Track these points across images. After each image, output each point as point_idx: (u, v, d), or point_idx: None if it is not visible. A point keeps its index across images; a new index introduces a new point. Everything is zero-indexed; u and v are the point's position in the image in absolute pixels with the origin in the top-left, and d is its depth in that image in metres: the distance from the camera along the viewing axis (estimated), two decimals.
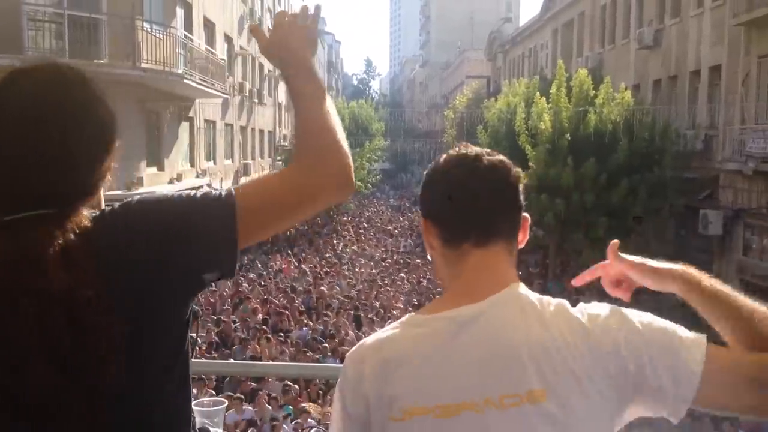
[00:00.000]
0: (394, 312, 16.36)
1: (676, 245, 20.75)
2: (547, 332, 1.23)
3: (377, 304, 17.53)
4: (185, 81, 16.63)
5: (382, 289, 19.54)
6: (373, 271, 22.73)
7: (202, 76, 18.50)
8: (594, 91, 20.16)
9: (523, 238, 1.40)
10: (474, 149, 1.42)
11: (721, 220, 17.48)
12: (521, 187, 1.40)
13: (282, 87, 39.83)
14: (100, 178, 1.27)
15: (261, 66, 33.42)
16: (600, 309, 1.28)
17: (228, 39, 26.17)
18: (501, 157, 1.41)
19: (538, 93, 21.28)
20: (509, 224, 1.37)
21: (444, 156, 1.44)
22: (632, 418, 1.27)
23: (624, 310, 1.28)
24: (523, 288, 1.31)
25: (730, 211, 17.52)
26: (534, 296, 1.30)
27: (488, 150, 1.41)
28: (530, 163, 19.13)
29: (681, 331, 1.26)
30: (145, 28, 15.50)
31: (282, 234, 31.66)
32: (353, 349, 1.33)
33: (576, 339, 1.23)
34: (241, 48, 28.56)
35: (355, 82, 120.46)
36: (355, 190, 1.36)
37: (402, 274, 22.21)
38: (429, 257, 1.45)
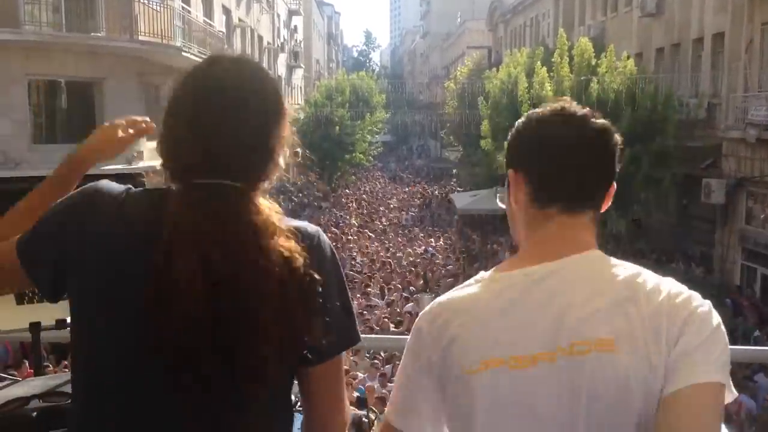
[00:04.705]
0: (396, 284, 16.43)
1: (679, 214, 20.71)
2: (625, 289, 1.22)
3: (380, 275, 17.58)
4: (183, 54, 16.50)
5: (385, 260, 19.58)
6: (375, 243, 22.73)
7: (201, 49, 18.33)
8: (596, 60, 19.95)
9: (606, 205, 1.38)
10: (577, 107, 1.37)
11: (723, 188, 17.40)
12: (617, 155, 1.36)
13: (282, 59, 39.50)
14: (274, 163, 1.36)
15: (260, 38, 33.12)
16: (681, 289, 1.25)
17: (226, 11, 25.91)
18: (604, 121, 1.37)
19: (539, 63, 21.08)
20: (601, 192, 1.36)
21: (545, 108, 1.39)
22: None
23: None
24: (603, 254, 1.31)
25: (733, 179, 17.43)
26: (615, 260, 1.30)
27: (590, 111, 1.37)
28: None
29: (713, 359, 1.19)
30: (142, 1, 15.35)
31: (285, 207, 31.60)
32: (426, 310, 1.34)
33: (653, 301, 1.21)
34: (240, 20, 28.28)
35: (356, 54, 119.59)
36: None
37: (405, 246, 22.24)
38: (504, 207, 1.43)
